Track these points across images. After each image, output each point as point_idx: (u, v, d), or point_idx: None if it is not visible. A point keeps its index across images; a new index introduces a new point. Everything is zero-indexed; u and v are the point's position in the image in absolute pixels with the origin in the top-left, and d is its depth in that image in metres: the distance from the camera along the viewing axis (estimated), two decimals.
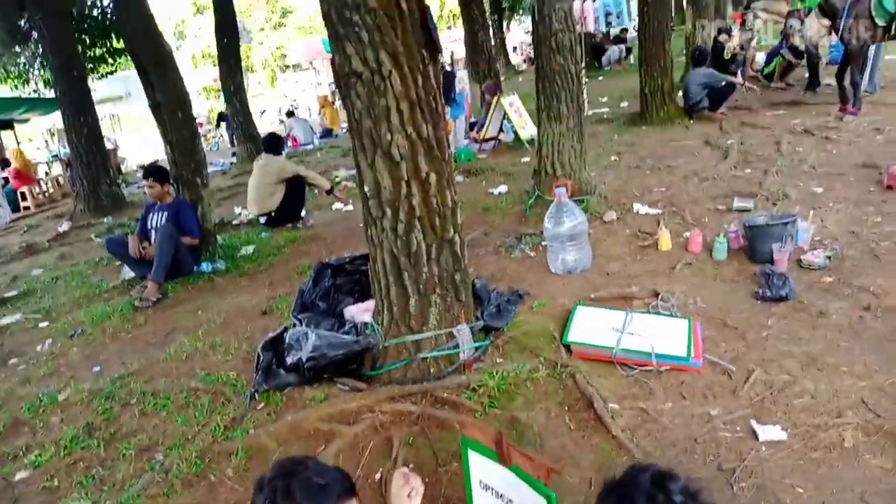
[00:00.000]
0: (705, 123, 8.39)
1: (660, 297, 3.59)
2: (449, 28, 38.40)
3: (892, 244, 3.91)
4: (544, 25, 5.01)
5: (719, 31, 11.14)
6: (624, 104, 10.91)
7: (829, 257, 3.80)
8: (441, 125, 2.86)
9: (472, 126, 10.53)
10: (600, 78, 15.74)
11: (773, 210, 4.69)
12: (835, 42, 8.44)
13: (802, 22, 7.74)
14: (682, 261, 4.09)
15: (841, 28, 7.25)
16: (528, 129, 8.75)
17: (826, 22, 7.48)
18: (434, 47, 2.77)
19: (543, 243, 4.50)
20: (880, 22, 6.95)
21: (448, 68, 12.15)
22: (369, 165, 2.79)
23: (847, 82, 7.44)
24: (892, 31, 7.02)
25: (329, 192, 7.03)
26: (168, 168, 5.66)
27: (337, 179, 8.66)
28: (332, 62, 2.83)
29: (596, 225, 4.93)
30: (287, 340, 3.06)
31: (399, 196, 2.79)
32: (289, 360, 2.99)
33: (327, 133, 16.15)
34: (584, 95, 10.50)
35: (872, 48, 7.60)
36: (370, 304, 3.23)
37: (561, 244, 4.17)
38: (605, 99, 11.95)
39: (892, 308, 3.18)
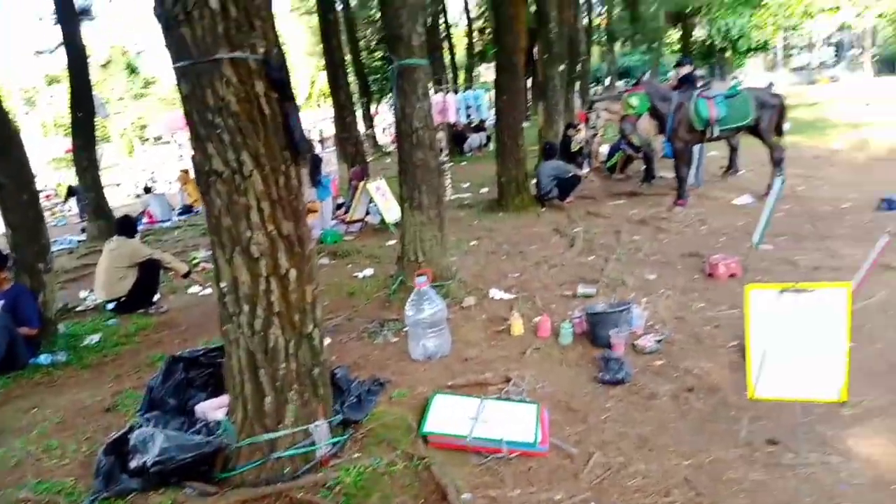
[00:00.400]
0: (555, 212, 9.06)
1: (511, 382, 3.78)
2: (318, 106, 39.02)
3: (713, 328, 4.39)
4: (406, 122, 5.30)
5: (568, 126, 12.26)
6: (484, 190, 11.55)
7: (659, 341, 4.20)
8: (302, 222, 2.93)
9: (339, 206, 10.66)
10: (463, 163, 16.62)
11: (612, 296, 5.11)
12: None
13: (634, 125, 8.70)
14: (532, 346, 4.35)
15: (667, 130, 8.27)
16: (393, 213, 8.97)
17: (656, 122, 8.49)
18: (296, 149, 2.87)
19: (405, 329, 4.60)
20: (698, 126, 8.03)
21: (317, 148, 12.32)
22: (227, 261, 2.79)
23: (674, 176, 8.41)
24: (709, 135, 8.11)
25: (186, 275, 6.75)
26: (6, 252, 5.24)
27: (195, 261, 8.33)
28: (193, 158, 2.85)
29: (455, 310, 5.12)
30: (132, 442, 2.90)
31: (257, 292, 2.80)
32: (133, 464, 2.83)
33: (187, 210, 15.51)
34: (449, 181, 11.07)
35: (697, 147, 8.70)
36: (224, 399, 3.15)
37: (422, 330, 4.30)
38: (467, 185, 12.58)
39: (712, 388, 3.57)
